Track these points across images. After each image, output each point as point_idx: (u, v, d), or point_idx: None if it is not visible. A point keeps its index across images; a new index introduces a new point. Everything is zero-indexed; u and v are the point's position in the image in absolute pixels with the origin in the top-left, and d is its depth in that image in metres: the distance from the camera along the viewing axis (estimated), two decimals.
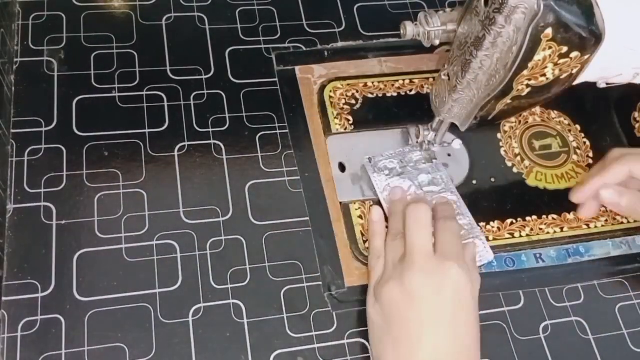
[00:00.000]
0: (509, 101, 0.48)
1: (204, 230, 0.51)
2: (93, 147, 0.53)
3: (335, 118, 0.58)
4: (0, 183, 0.49)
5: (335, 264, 0.52)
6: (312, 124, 0.58)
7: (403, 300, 0.45)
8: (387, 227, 0.52)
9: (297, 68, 0.61)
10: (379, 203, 0.54)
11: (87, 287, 0.48)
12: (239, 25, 0.62)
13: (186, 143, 0.55)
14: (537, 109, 0.62)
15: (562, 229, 0.56)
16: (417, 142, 0.57)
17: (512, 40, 0.42)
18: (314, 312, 0.50)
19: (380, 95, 0.61)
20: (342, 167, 0.57)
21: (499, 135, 0.60)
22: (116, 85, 0.56)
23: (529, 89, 0.46)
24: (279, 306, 0.49)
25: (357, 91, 0.60)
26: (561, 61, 0.44)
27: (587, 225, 0.57)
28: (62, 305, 0.47)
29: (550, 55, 0.43)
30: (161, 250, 0.50)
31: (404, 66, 0.63)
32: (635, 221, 0.57)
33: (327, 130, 0.58)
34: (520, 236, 0.55)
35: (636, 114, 0.61)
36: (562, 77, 0.45)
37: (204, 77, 0.58)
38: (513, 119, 0.61)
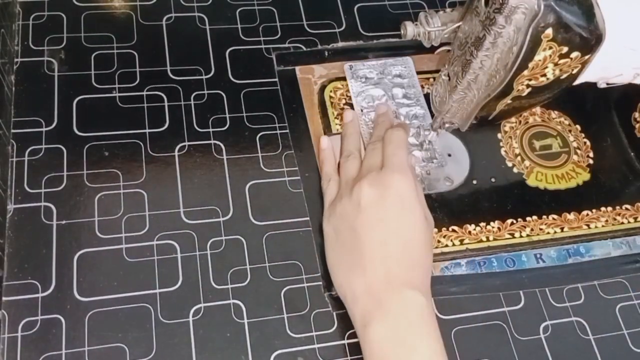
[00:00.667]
0: (509, 101, 0.48)
1: (204, 230, 0.51)
2: (93, 147, 0.53)
3: (335, 118, 0.58)
4: (0, 183, 0.49)
5: None
6: (313, 124, 0.58)
7: (352, 211, 0.48)
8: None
9: (297, 68, 0.60)
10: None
11: (87, 287, 0.48)
12: (239, 25, 0.62)
13: (186, 143, 0.55)
14: (537, 109, 0.62)
15: (562, 229, 0.56)
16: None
17: (513, 40, 0.42)
18: (314, 312, 0.50)
19: None
20: None
21: (499, 135, 0.60)
22: (116, 85, 0.56)
23: (529, 89, 0.46)
24: (279, 306, 0.49)
25: None
26: (561, 61, 0.44)
27: (588, 225, 0.57)
28: (63, 306, 0.47)
29: (550, 56, 0.43)
30: (161, 250, 0.50)
31: None
32: (635, 221, 0.57)
33: (328, 130, 0.58)
34: (521, 236, 0.55)
35: (636, 114, 0.61)
36: (562, 77, 0.45)
37: (204, 77, 0.58)
38: (513, 119, 0.61)
